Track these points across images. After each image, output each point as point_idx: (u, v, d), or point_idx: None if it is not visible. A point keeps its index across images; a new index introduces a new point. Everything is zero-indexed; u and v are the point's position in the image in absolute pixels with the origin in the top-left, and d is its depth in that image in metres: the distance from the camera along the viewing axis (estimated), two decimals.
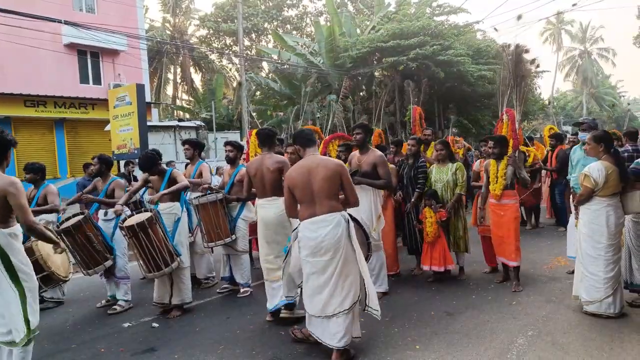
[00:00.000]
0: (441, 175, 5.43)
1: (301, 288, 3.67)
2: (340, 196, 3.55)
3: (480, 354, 3.48)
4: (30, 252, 3.96)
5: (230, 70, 33.66)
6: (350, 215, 3.56)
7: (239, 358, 3.65)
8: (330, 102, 17.97)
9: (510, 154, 5.00)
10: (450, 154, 5.55)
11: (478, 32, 23.49)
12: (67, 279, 4.38)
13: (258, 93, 25.75)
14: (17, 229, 3.26)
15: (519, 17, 13.79)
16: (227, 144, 5.52)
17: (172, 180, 4.89)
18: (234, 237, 5.15)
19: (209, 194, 5.20)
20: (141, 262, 4.55)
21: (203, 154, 6.16)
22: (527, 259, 5.94)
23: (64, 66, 17.40)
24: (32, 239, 4.03)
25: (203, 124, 18.00)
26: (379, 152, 4.83)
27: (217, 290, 5.48)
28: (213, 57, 32.59)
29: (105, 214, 5.17)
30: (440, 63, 17.71)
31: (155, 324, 4.52)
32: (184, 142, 5.92)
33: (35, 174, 5.38)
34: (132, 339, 4.18)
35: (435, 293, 4.98)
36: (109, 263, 4.92)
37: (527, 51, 5.57)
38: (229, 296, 5.31)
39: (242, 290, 5.26)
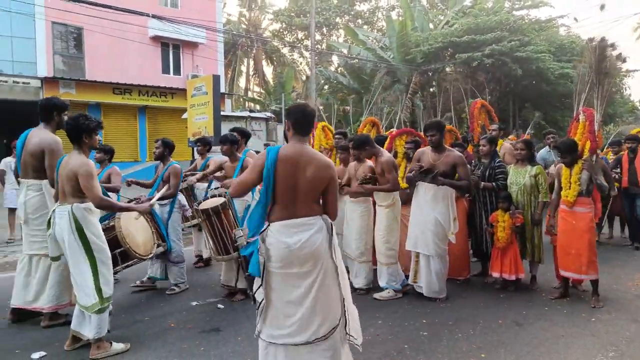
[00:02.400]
0: (518, 178, 5.13)
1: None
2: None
3: None
4: (111, 228, 4.26)
5: (301, 64, 34.15)
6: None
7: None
8: (398, 96, 17.69)
9: (586, 157, 4.59)
10: (532, 155, 5.22)
11: (562, 27, 22.03)
12: (144, 257, 4.59)
13: (326, 87, 25.91)
14: (92, 204, 3.55)
15: (602, 7, 12.71)
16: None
17: (246, 168, 5.03)
18: None
19: None
20: (212, 244, 4.74)
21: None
22: (609, 273, 5.50)
23: (148, 57, 18.57)
24: (116, 215, 4.31)
25: (273, 115, 18.42)
26: (458, 152, 4.68)
27: None
28: (284, 50, 33.23)
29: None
30: (518, 60, 16.82)
31: (220, 305, 4.70)
32: (232, 129, 5.93)
33: (105, 154, 5.70)
34: (199, 318, 4.37)
35: (503, 301, 4.74)
36: (159, 250, 4.91)
37: (612, 46, 4.99)
38: None
39: None
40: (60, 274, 4.02)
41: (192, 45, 19.39)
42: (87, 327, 3.53)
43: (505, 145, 6.52)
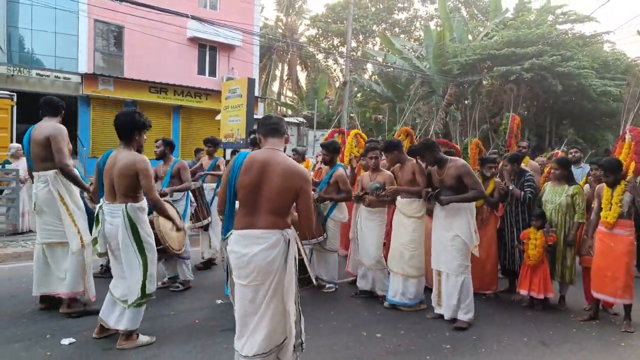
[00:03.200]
0: (554, 197, 4.98)
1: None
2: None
3: None
4: (150, 225, 4.34)
5: (335, 70, 34.29)
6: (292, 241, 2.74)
7: (320, 352, 3.71)
8: (432, 107, 17.56)
9: (630, 178, 4.45)
10: (569, 174, 5.04)
11: (606, 43, 21.36)
12: (179, 252, 4.70)
13: (359, 95, 25.93)
14: (144, 203, 3.67)
15: None
16: (322, 146, 5.53)
17: None
18: (325, 235, 5.22)
19: None
20: None
21: (302, 149, 6.22)
22: None
23: (185, 58, 19.00)
24: (154, 213, 4.33)
25: (304, 121, 18.55)
26: (461, 161, 4.49)
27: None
28: (319, 56, 33.45)
29: (171, 196, 5.28)
30: (559, 75, 16.41)
31: None
32: (252, 132, 5.98)
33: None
34: (222, 316, 4.43)
35: (529, 319, 4.62)
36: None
37: None
38: (312, 290, 5.37)
39: (327, 286, 5.35)
40: (75, 261, 4.14)
41: (229, 47, 19.74)
42: (114, 318, 3.63)
43: (531, 164, 6.37)
